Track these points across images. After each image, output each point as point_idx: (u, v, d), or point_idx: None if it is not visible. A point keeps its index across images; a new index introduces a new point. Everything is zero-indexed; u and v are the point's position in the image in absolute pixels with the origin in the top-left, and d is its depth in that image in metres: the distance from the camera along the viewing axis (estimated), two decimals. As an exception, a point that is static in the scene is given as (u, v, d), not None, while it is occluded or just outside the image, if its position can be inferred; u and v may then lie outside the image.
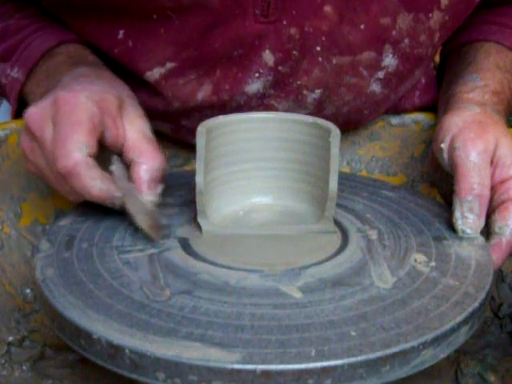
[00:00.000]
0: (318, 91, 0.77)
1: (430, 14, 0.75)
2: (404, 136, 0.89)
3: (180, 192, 0.73)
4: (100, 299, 0.56)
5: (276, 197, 0.71)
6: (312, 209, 0.69)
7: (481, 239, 0.66)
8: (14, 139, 0.79)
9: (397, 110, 0.89)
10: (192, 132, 0.78)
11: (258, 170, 0.70)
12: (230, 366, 0.49)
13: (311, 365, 0.49)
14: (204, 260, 0.62)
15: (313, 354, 0.50)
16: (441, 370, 0.69)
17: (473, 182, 0.66)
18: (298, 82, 0.76)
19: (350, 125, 0.85)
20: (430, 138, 0.86)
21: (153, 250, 0.63)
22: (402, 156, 0.89)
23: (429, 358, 0.53)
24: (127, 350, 0.51)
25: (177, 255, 0.62)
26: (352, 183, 0.77)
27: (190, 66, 0.75)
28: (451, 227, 0.67)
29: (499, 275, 0.77)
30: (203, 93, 0.76)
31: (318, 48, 0.74)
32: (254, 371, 0.49)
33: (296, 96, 0.77)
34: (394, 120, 0.89)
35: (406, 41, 0.76)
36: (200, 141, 0.63)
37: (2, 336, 0.72)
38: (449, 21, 0.77)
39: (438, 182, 0.78)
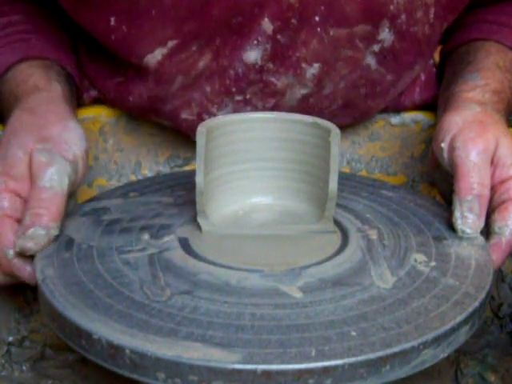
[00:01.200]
0: (316, 65, 0.77)
1: None
2: (404, 136, 0.89)
3: (180, 192, 0.73)
4: (100, 299, 0.56)
5: (276, 197, 0.71)
6: (312, 209, 0.69)
7: (481, 239, 0.66)
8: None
9: (397, 108, 0.89)
10: (191, 124, 0.79)
11: (257, 169, 0.70)
12: (230, 366, 0.49)
13: (312, 364, 0.49)
14: (204, 260, 0.62)
15: (313, 353, 0.50)
16: (441, 370, 0.69)
17: (472, 181, 0.66)
18: (297, 55, 0.76)
19: (348, 110, 0.84)
20: (430, 137, 0.86)
21: (153, 250, 0.63)
22: (401, 156, 0.89)
23: (429, 357, 0.53)
24: (128, 350, 0.51)
25: (177, 255, 0.62)
26: (352, 183, 0.77)
27: (191, 39, 0.75)
28: (451, 227, 0.67)
29: (499, 275, 0.77)
30: (204, 61, 0.76)
31: (317, 18, 0.74)
32: (254, 371, 0.49)
33: (295, 70, 0.77)
34: (394, 120, 0.89)
35: (403, 17, 0.75)
36: (200, 141, 0.63)
37: (2, 336, 0.73)
38: None
39: (437, 181, 0.78)
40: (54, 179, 0.65)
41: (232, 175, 0.69)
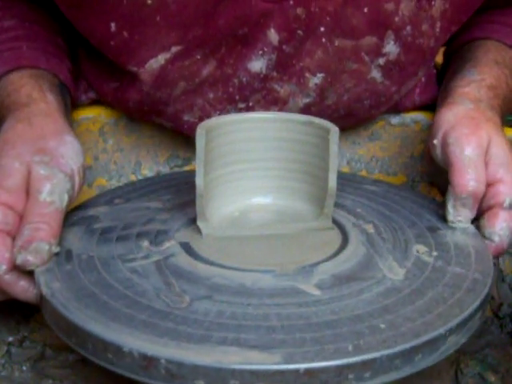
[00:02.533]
0: (320, 75, 0.77)
1: (433, 2, 0.75)
2: (404, 136, 0.89)
3: (167, 196, 0.73)
4: (119, 310, 0.54)
5: (275, 197, 0.71)
6: (311, 207, 0.69)
7: (471, 227, 0.67)
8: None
9: (397, 108, 0.89)
10: (193, 126, 0.77)
11: (257, 169, 0.70)
12: (272, 368, 0.49)
13: (351, 359, 0.50)
14: (213, 263, 0.61)
15: (350, 348, 0.50)
16: (441, 370, 0.69)
17: (469, 178, 0.66)
18: (301, 64, 0.76)
19: (351, 118, 0.84)
20: (430, 137, 0.87)
21: (157, 257, 0.62)
22: (401, 156, 0.89)
23: (453, 344, 0.54)
24: (163, 360, 0.49)
25: (184, 260, 0.62)
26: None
27: (195, 47, 0.74)
28: (441, 217, 0.68)
29: (499, 275, 0.77)
30: (207, 69, 0.76)
31: (322, 29, 0.74)
32: (297, 371, 0.49)
33: (298, 79, 0.77)
34: (394, 120, 0.89)
35: (408, 28, 0.75)
36: (200, 143, 0.63)
37: (2, 336, 0.72)
38: (448, 9, 0.77)
39: (434, 176, 0.78)
40: (55, 194, 0.62)
41: (231, 175, 0.69)
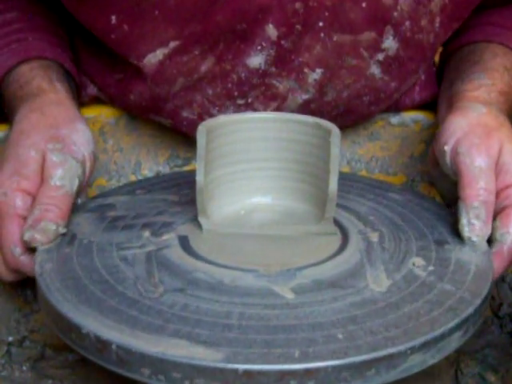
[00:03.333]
0: (319, 71, 0.77)
1: None
2: (404, 136, 0.89)
3: (186, 190, 0.73)
4: (93, 294, 0.56)
5: (276, 197, 0.71)
6: (312, 209, 0.69)
7: (483, 244, 0.65)
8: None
9: (397, 107, 0.88)
10: (192, 123, 0.78)
11: (258, 170, 0.70)
12: (212, 365, 0.49)
13: (294, 366, 0.49)
14: (201, 258, 0.62)
15: (296, 355, 0.50)
16: (441, 370, 0.69)
17: (479, 188, 0.65)
18: (300, 59, 0.76)
19: (350, 115, 0.84)
20: (430, 137, 0.86)
21: (152, 247, 0.63)
22: (401, 156, 0.89)
23: (417, 363, 0.52)
24: (114, 346, 0.51)
25: (174, 253, 0.62)
26: (358, 184, 0.77)
27: (193, 42, 0.75)
28: (455, 231, 0.66)
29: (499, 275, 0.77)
30: (206, 65, 0.76)
31: (321, 24, 0.74)
32: (236, 371, 0.49)
33: (297, 74, 0.77)
34: (394, 119, 0.89)
35: (407, 24, 0.75)
36: (200, 140, 0.63)
37: (2, 336, 0.73)
38: (448, 4, 0.77)
39: (436, 179, 0.77)
40: (66, 179, 0.66)
41: (232, 175, 0.69)
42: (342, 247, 0.64)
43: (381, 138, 0.89)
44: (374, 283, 0.59)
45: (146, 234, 0.65)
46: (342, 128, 0.75)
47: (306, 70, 0.77)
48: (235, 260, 0.61)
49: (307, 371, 0.49)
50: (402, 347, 0.51)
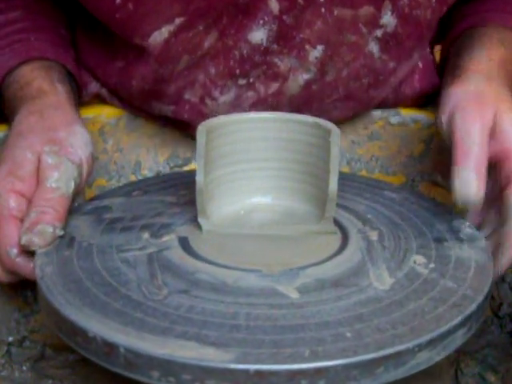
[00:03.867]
0: (320, 47, 0.77)
1: None
2: (403, 135, 0.89)
3: (183, 191, 0.73)
4: (97, 297, 0.56)
5: (276, 197, 0.71)
6: (312, 209, 0.69)
7: (482, 241, 0.66)
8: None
9: (398, 97, 0.88)
10: (194, 108, 0.79)
11: (258, 170, 0.70)
12: (223, 366, 0.49)
13: (305, 365, 0.49)
14: (202, 259, 0.62)
15: (306, 354, 0.50)
16: (441, 370, 0.69)
17: (470, 152, 0.66)
18: (301, 36, 0.76)
19: (350, 102, 0.84)
20: (430, 137, 0.87)
21: (152, 249, 0.63)
22: (401, 155, 0.89)
23: (424, 360, 0.52)
24: (122, 348, 0.51)
25: (176, 254, 0.62)
26: (355, 184, 0.77)
27: (198, 17, 0.75)
28: (453, 230, 0.67)
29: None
30: (209, 41, 0.76)
31: None
32: (247, 371, 0.49)
33: (298, 52, 0.77)
34: (394, 119, 0.89)
35: None
36: (200, 139, 0.63)
37: (2, 336, 0.72)
38: None
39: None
40: (62, 181, 0.66)
41: (232, 175, 0.69)
42: (343, 246, 0.64)
43: (381, 137, 0.89)
44: (377, 281, 0.59)
45: (146, 235, 0.65)
46: (342, 123, 0.75)
47: (307, 47, 0.77)
48: (237, 260, 0.61)
49: (318, 370, 0.49)
50: (409, 344, 0.51)
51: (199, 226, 0.66)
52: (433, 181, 0.86)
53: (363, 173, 0.88)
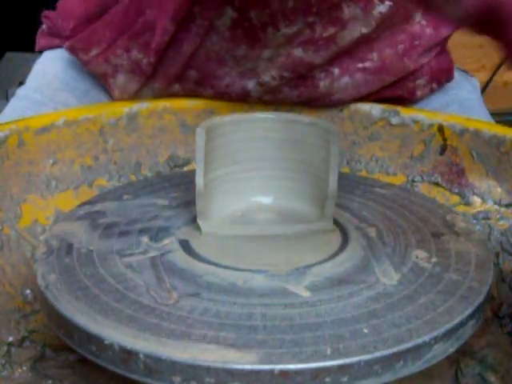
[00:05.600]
0: (387, 3, 0.77)
1: None
2: (404, 136, 0.89)
3: (174, 194, 0.73)
4: (108, 304, 0.55)
5: (276, 197, 0.71)
6: (312, 208, 0.69)
7: (477, 234, 0.67)
8: (14, 140, 0.79)
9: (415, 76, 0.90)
10: (199, 81, 0.80)
11: (257, 169, 0.70)
12: (248, 367, 0.49)
13: (328, 363, 0.50)
14: (207, 262, 0.61)
15: (328, 352, 0.50)
16: (441, 370, 0.68)
17: None
18: None
19: (383, 72, 0.84)
20: (430, 137, 0.87)
21: (154, 253, 0.63)
22: (401, 156, 0.89)
23: (440, 352, 0.53)
24: (141, 355, 0.50)
25: (179, 257, 0.62)
26: (345, 182, 0.77)
27: None
28: (448, 224, 0.68)
29: (499, 275, 0.77)
30: None
31: None
32: (272, 371, 0.49)
33: (366, 3, 0.77)
34: (394, 120, 0.89)
35: None
36: (200, 142, 0.63)
37: (2, 336, 0.72)
38: None
39: None
40: None
41: (232, 175, 0.69)
42: (344, 244, 0.65)
43: (381, 138, 0.89)
44: (384, 277, 0.59)
45: (145, 239, 0.65)
46: (369, 96, 0.77)
47: (375, 1, 0.77)
48: (241, 261, 0.61)
49: (341, 367, 0.49)
50: (426, 338, 0.52)
51: (198, 228, 0.66)
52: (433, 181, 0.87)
53: (363, 173, 0.88)
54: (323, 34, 0.79)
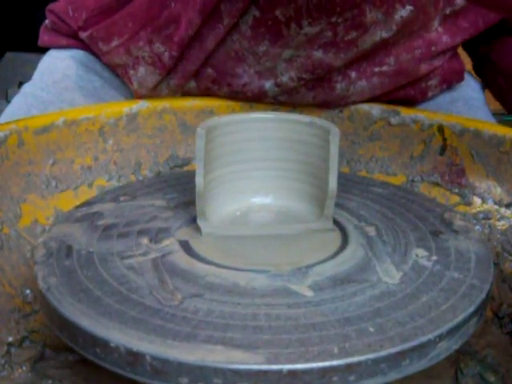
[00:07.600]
0: (408, 8, 0.77)
1: None
2: (404, 136, 0.89)
3: (172, 195, 0.73)
4: (111, 306, 0.55)
5: (276, 197, 0.71)
6: (312, 208, 0.69)
7: (475, 232, 0.67)
8: (14, 140, 0.79)
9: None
10: (216, 79, 0.80)
11: (257, 169, 0.70)
12: (255, 368, 0.49)
13: (335, 362, 0.49)
14: (209, 262, 0.61)
15: (336, 351, 0.50)
16: (441, 370, 0.68)
17: None
18: None
19: (400, 75, 0.84)
20: (430, 137, 0.87)
21: (155, 254, 0.62)
22: (401, 156, 0.89)
23: (444, 350, 0.54)
24: (148, 357, 0.50)
25: (181, 258, 0.62)
26: (342, 181, 0.77)
27: None
28: (446, 222, 0.68)
29: (499, 275, 0.77)
30: None
31: None
32: (280, 371, 0.49)
33: (388, 8, 0.77)
34: (394, 120, 0.89)
35: None
36: (200, 142, 0.63)
37: (2, 336, 0.72)
38: None
39: None
40: None
41: (231, 175, 0.69)
42: (344, 243, 0.65)
43: (381, 138, 0.89)
44: (386, 276, 0.60)
45: (145, 241, 0.65)
46: (382, 97, 0.78)
47: (397, 6, 0.77)
48: (242, 262, 0.61)
49: (349, 366, 0.49)
50: (430, 336, 0.52)
51: (198, 229, 0.66)
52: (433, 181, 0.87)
53: (363, 173, 0.88)
54: (345, 37, 0.79)
